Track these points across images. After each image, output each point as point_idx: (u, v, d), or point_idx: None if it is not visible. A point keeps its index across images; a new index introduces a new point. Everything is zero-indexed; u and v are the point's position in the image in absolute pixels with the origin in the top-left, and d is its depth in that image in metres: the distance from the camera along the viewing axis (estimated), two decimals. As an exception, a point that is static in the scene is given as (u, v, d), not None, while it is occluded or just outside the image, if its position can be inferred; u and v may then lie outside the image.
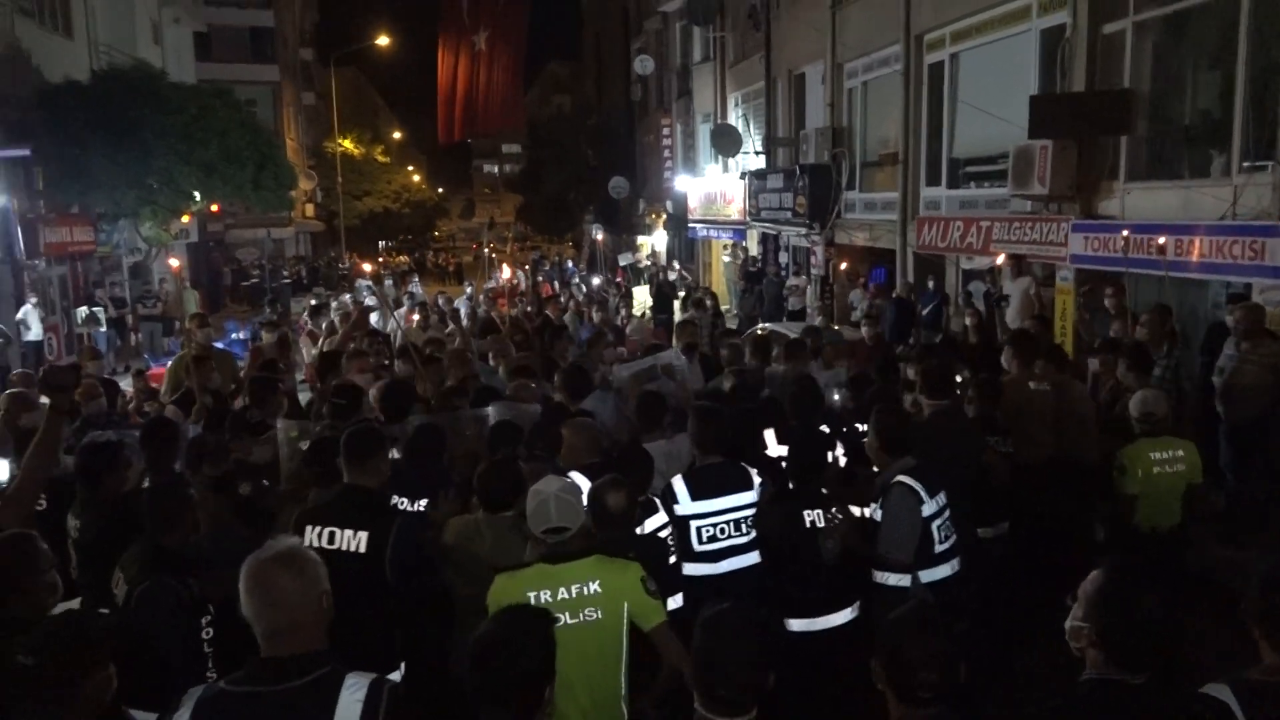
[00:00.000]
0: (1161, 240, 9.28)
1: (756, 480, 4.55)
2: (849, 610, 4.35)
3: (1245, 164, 9.22)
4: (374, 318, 14.29)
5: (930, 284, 14.26)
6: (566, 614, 3.14)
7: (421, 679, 3.52)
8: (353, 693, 2.27)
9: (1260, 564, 2.45)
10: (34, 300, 17.70)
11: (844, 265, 16.76)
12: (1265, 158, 8.87)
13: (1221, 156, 9.73)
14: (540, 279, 25.49)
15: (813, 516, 4.32)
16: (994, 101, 12.80)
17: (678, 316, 16.57)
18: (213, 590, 3.34)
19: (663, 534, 4.26)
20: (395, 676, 3.66)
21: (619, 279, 26.33)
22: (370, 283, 20.91)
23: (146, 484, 4.10)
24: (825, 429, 5.36)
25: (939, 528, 4.38)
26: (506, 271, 21.95)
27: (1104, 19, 10.86)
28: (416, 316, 15.11)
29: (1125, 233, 9.42)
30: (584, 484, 3.90)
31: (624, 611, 3.22)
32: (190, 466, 4.50)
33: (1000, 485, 5.54)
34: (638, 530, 4.17)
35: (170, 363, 9.67)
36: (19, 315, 17.04)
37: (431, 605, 3.84)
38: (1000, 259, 11.89)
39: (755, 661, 2.35)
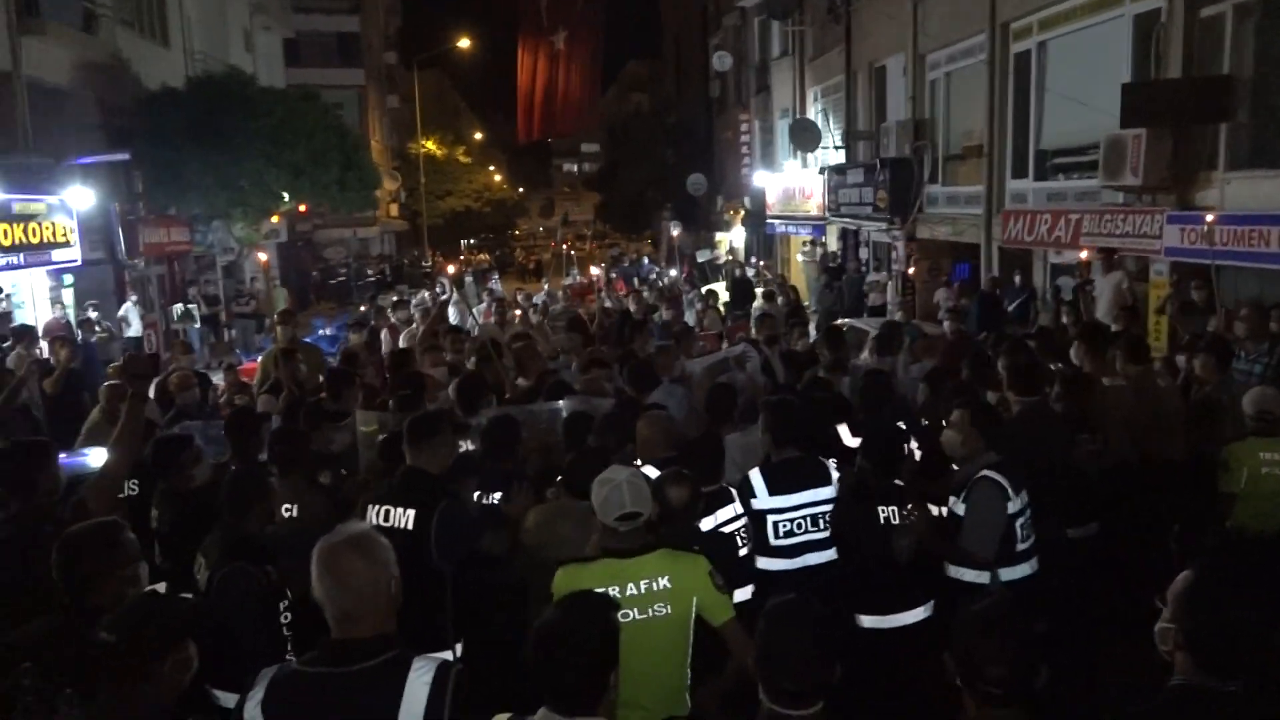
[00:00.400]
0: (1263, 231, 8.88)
1: (835, 475, 4.48)
2: (922, 609, 4.27)
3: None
4: (453, 315, 14.52)
5: (1017, 279, 13.86)
6: (635, 610, 3.11)
7: (486, 664, 3.54)
8: (420, 675, 2.31)
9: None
10: (134, 298, 18.45)
11: (913, 268, 16.41)
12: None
13: (1329, 143, 9.25)
14: (615, 275, 25.57)
15: (887, 513, 4.25)
16: (1084, 91, 12.38)
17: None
18: (292, 578, 3.42)
19: (731, 527, 4.22)
20: (448, 656, 3.71)
21: (686, 275, 26.25)
22: (445, 279, 21.26)
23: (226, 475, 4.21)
24: (900, 425, 5.25)
25: (1021, 526, 4.28)
26: (595, 270, 22.01)
27: (1202, 2, 10.41)
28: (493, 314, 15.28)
29: (1210, 218, 8.97)
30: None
31: (693, 606, 3.19)
32: (275, 455, 4.61)
33: (1089, 484, 5.35)
34: (711, 520, 4.16)
35: (261, 357, 9.96)
36: (120, 312, 17.78)
37: (501, 594, 3.86)
38: (1083, 255, 11.50)
39: (818, 654, 2.30)
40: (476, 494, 4.53)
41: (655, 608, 3.14)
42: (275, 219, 24.50)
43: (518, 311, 14.57)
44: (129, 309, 17.99)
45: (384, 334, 11.43)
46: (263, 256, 9.47)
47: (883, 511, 4.24)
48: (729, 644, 3.22)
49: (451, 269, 21.89)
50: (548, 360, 8.13)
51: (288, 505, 4.37)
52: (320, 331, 19.56)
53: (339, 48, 42.05)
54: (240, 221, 22.06)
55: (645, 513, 3.28)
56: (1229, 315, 8.19)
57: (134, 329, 17.84)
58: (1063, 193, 13.36)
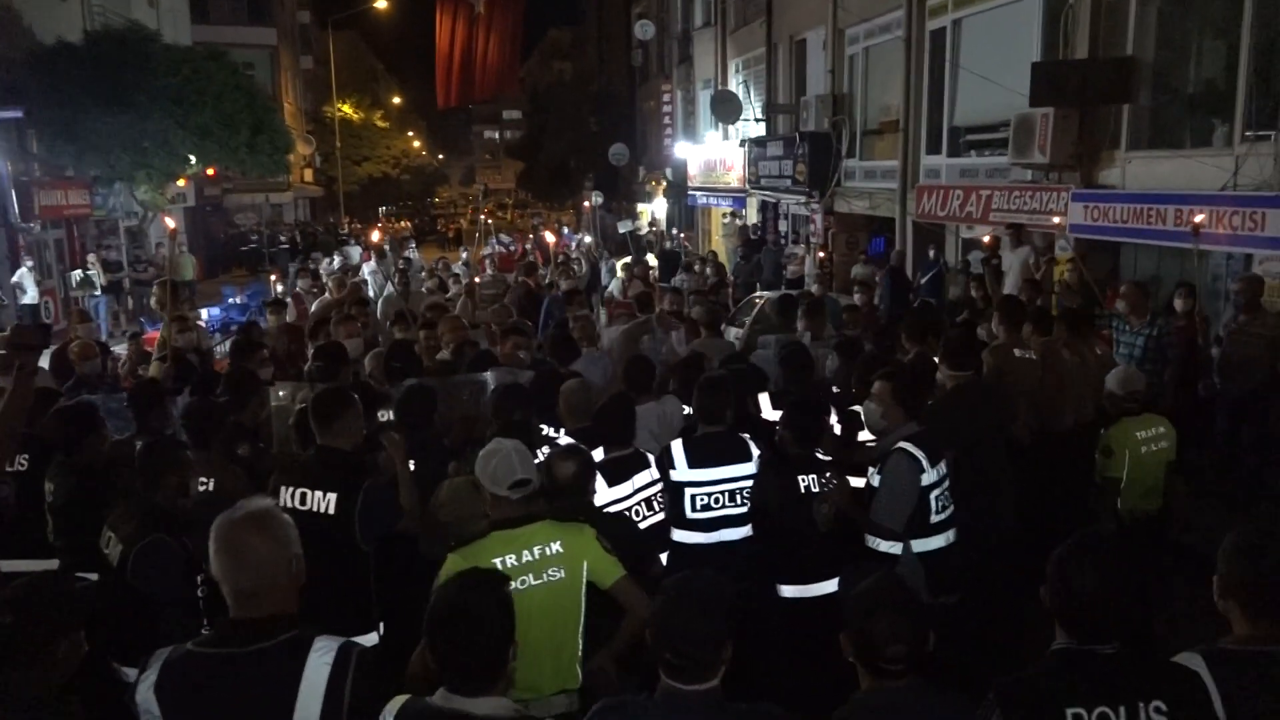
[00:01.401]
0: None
1: (755, 452, 4.51)
2: (833, 581, 4.32)
3: (1247, 134, 9.13)
4: (371, 283, 14.25)
5: (931, 253, 14.18)
6: (531, 575, 3.13)
7: (402, 642, 3.52)
8: (321, 656, 2.27)
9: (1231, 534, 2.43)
10: (30, 264, 17.64)
11: (826, 248, 16.62)
12: (1268, 128, 8.79)
13: (1224, 126, 9.64)
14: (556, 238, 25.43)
15: (807, 481, 4.29)
16: (996, 69, 12.65)
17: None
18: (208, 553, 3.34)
19: (646, 493, 4.27)
20: (373, 638, 3.68)
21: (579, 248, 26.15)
22: (360, 247, 20.82)
23: (139, 446, 4.07)
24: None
25: (936, 498, 4.34)
26: (549, 236, 21.77)
27: (1109, -15, 10.71)
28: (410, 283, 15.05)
29: (1200, 218, 8.39)
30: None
31: (584, 570, 3.23)
32: (189, 429, 4.47)
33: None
34: (626, 487, 4.22)
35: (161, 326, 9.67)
36: (14, 279, 17.01)
37: (414, 568, 3.82)
38: (985, 239, 11.82)
39: (712, 630, 2.30)
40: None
41: (549, 572, 3.16)
42: (182, 182, 23.64)
43: (433, 281, 14.35)
44: (23, 275, 17.20)
45: (289, 303, 11.16)
46: (170, 222, 9.09)
47: (803, 480, 4.28)
48: (622, 601, 3.25)
49: (375, 235, 21.43)
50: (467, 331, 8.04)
51: (204, 479, 4.25)
52: (230, 300, 19.02)
53: (249, 5, 40.45)
54: (144, 185, 21.21)
55: (533, 481, 3.31)
56: (1112, 292, 8.52)
57: (29, 296, 17.09)
58: (975, 169, 13.68)
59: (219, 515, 2.35)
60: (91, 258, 19.99)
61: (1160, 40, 10.48)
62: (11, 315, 15.93)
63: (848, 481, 4.39)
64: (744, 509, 4.42)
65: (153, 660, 2.31)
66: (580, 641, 3.22)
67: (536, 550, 3.17)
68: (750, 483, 4.42)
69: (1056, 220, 10.49)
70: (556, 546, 3.20)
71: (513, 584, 2.95)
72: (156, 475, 3.72)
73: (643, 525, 4.27)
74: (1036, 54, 11.75)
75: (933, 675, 2.40)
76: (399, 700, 2.31)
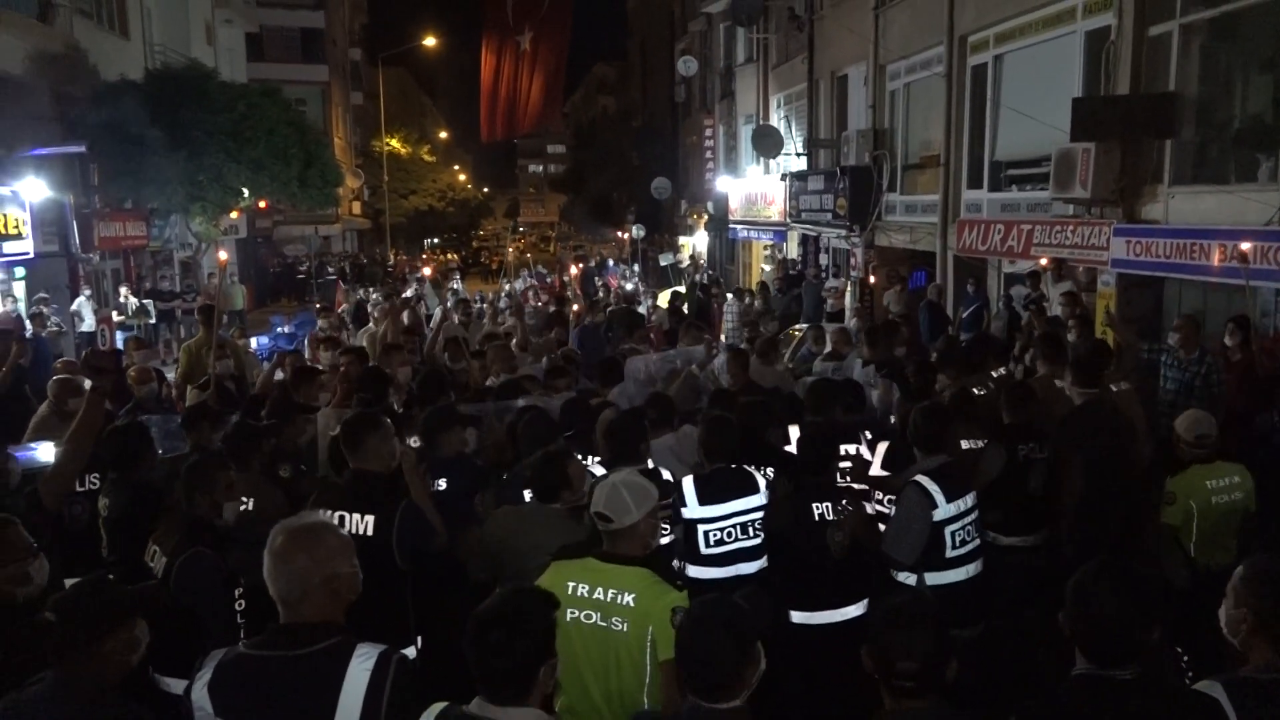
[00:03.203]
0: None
1: (762, 483, 4.51)
2: (856, 606, 4.29)
3: (1292, 169, 9.07)
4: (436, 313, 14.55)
5: (971, 288, 14.14)
6: (597, 613, 3.08)
7: (439, 654, 3.61)
8: (362, 662, 2.37)
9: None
10: (88, 293, 18.19)
11: (873, 277, 16.61)
12: (1313, 162, 8.72)
13: (1268, 161, 9.56)
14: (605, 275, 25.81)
15: (821, 509, 4.28)
16: (1037, 104, 12.67)
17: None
18: (249, 567, 3.45)
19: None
20: (410, 652, 3.76)
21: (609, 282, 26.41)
22: (418, 279, 21.23)
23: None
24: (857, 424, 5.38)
25: (954, 533, 4.30)
26: (574, 269, 22.17)
27: (1150, 21, 10.71)
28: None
29: (1246, 246, 8.25)
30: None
31: (648, 633, 3.08)
32: (232, 449, 4.63)
33: (1035, 493, 5.39)
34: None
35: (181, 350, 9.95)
36: (73, 307, 17.53)
37: (450, 581, 3.92)
38: (1043, 261, 11.78)
39: (734, 652, 2.37)
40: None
41: (614, 620, 3.09)
42: (235, 215, 24.27)
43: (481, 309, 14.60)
44: (81, 303, 17.73)
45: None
46: (222, 255, 9.40)
47: (817, 508, 4.29)
48: (662, 683, 3.06)
49: (428, 270, 21.85)
50: (520, 360, 8.20)
51: (245, 498, 4.40)
52: (279, 329, 19.43)
53: (303, 43, 41.72)
54: (199, 216, 21.82)
55: (615, 521, 3.18)
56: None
57: (87, 324, 17.60)
58: (1015, 203, 13.65)
59: (276, 525, 2.48)
60: (124, 290, 20.16)
61: (1203, 75, 10.44)
62: (70, 342, 16.41)
63: (863, 509, 4.42)
64: (757, 541, 4.42)
65: (207, 660, 2.45)
66: (646, 700, 3.08)
67: (611, 593, 3.11)
68: (760, 514, 4.42)
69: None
70: (629, 599, 3.10)
71: (572, 612, 3.01)
72: (196, 491, 3.86)
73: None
74: (1078, 89, 11.77)
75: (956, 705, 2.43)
76: (437, 707, 2.40)
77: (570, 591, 3.09)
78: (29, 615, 2.86)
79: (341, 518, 3.81)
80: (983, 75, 14.47)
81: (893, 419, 5.85)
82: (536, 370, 7.35)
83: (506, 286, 24.02)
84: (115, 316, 18.57)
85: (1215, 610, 2.53)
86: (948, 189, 15.28)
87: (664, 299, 17.28)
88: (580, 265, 25.29)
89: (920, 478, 4.31)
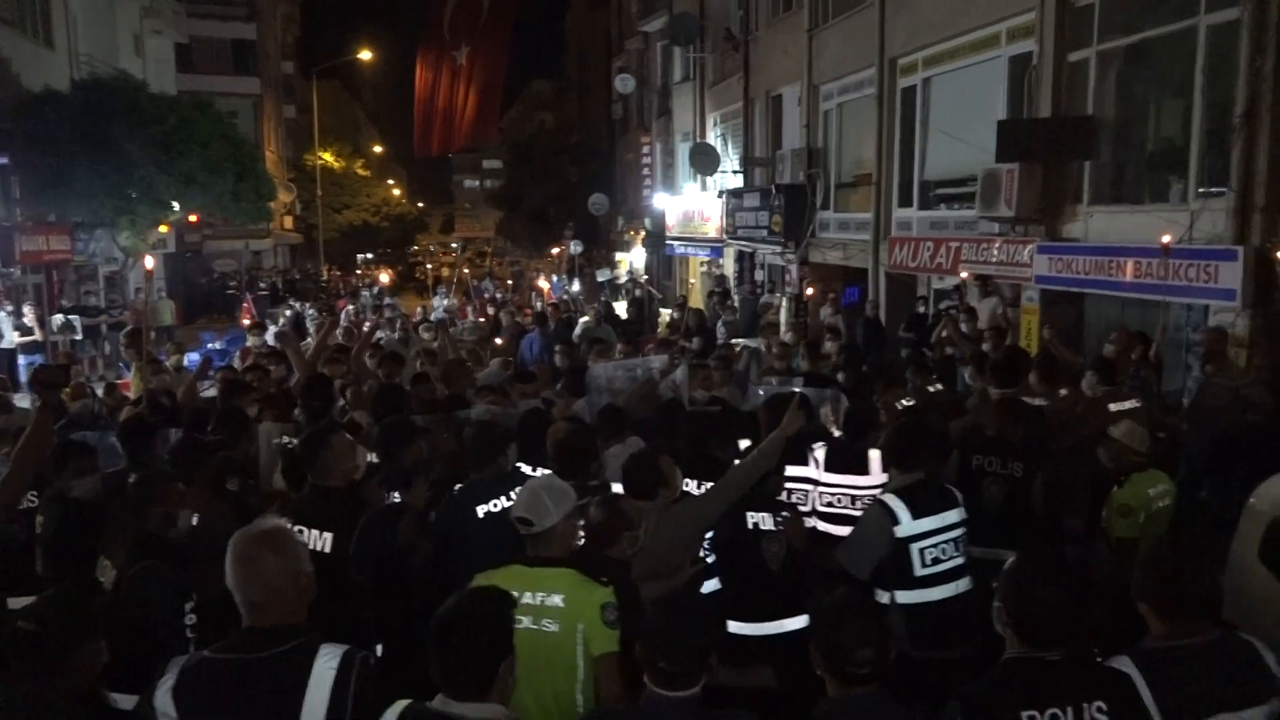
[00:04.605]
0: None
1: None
2: (796, 619, 4.23)
3: (1201, 190, 9.54)
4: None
5: (921, 309, 14.37)
6: (528, 618, 3.10)
7: (400, 661, 3.66)
8: (326, 661, 2.43)
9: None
10: (8, 308, 17.64)
11: (810, 290, 16.95)
12: (1220, 184, 9.20)
13: (1179, 183, 10.05)
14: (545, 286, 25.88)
15: (756, 519, 4.26)
16: (964, 125, 13.13)
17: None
18: (204, 582, 3.46)
19: None
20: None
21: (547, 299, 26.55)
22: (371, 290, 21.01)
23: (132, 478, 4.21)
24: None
25: (924, 550, 4.23)
26: (543, 282, 22.10)
27: (1070, 48, 11.20)
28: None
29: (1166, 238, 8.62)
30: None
31: (579, 633, 3.14)
32: (179, 463, 4.61)
33: (988, 506, 5.29)
34: None
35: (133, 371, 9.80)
36: (-3, 322, 17.00)
37: (408, 589, 3.96)
38: (963, 275, 12.19)
39: (702, 640, 2.51)
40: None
41: (544, 622, 3.13)
42: (164, 229, 23.76)
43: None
44: (1, 319, 17.20)
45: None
46: (149, 262, 9.27)
47: (751, 517, 4.27)
48: (599, 678, 3.12)
49: (386, 278, 21.64)
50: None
51: (192, 512, 4.38)
52: (209, 345, 19.08)
53: (234, 55, 41.03)
54: (126, 230, 21.33)
55: (536, 524, 3.26)
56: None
57: (5, 340, 17.07)
58: (944, 221, 14.10)
59: (236, 532, 2.52)
60: (26, 309, 18.07)
61: (1119, 100, 10.95)
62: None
63: (801, 520, 4.48)
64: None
65: (170, 667, 2.48)
66: (580, 698, 3.12)
67: (540, 597, 3.15)
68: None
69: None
70: (558, 599, 3.15)
71: None
72: (148, 504, 3.84)
73: None
74: (1003, 112, 12.23)
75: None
76: (400, 704, 2.46)
77: None
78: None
79: (300, 531, 3.83)
80: (912, 97, 14.93)
81: (836, 431, 5.97)
82: (494, 377, 7.43)
83: (443, 300, 23.93)
84: (36, 334, 17.79)
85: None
86: (879, 207, 15.70)
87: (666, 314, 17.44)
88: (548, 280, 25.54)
89: (887, 495, 4.33)
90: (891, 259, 14.81)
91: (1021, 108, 11.91)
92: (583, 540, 3.62)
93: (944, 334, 10.61)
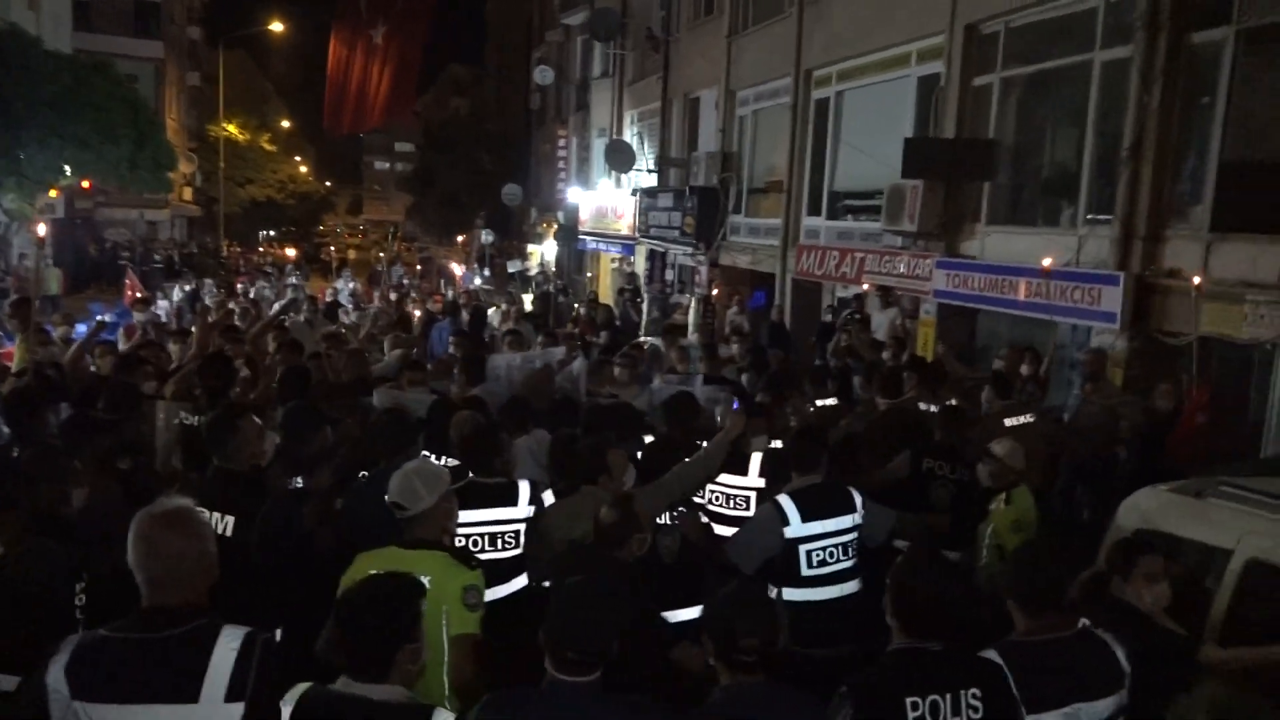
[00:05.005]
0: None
1: (524, 496, 4.50)
2: (688, 610, 4.26)
3: (1089, 216, 10.08)
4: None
5: (829, 317, 14.68)
6: None
7: (301, 644, 3.63)
8: (228, 641, 2.45)
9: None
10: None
11: (716, 290, 17.25)
12: (1106, 212, 9.73)
13: (1070, 208, 10.59)
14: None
15: None
16: (873, 140, 13.54)
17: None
18: (95, 561, 3.39)
19: (490, 528, 4.37)
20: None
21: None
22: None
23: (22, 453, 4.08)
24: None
25: (811, 552, 4.39)
26: (458, 269, 21.69)
27: (975, 72, 11.67)
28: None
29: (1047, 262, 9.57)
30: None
31: (444, 614, 3.24)
32: (69, 440, 4.48)
33: (936, 506, 5.50)
34: (473, 514, 4.30)
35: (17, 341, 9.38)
36: None
37: (308, 575, 3.94)
38: (865, 286, 12.58)
39: (609, 628, 2.60)
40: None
41: None
42: (54, 193, 22.72)
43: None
44: None
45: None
46: (41, 230, 8.90)
47: None
48: (453, 657, 3.25)
49: (292, 252, 21.06)
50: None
51: (84, 490, 4.26)
52: (99, 317, 18.30)
53: (136, 15, 39.32)
54: (13, 193, 20.32)
55: (409, 508, 3.40)
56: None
57: None
58: (851, 232, 14.51)
59: (140, 511, 2.50)
60: None
61: (1019, 125, 11.47)
62: None
63: (698, 517, 4.63)
64: (512, 553, 4.43)
65: (64, 644, 2.45)
66: (446, 681, 3.23)
67: None
68: (511, 526, 4.42)
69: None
70: (426, 581, 3.14)
71: None
72: (40, 480, 3.74)
73: (481, 558, 4.19)
74: (910, 129, 12.66)
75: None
76: (301, 687, 2.49)
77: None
78: None
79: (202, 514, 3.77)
80: (825, 109, 15.30)
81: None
82: (392, 370, 7.38)
83: (349, 284, 23.45)
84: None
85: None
86: (789, 214, 16.04)
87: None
88: (445, 267, 25.25)
89: (781, 496, 4.47)
90: (799, 266, 15.17)
91: (928, 126, 12.35)
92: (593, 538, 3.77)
93: (843, 343, 10.94)
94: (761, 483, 5.22)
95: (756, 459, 5.36)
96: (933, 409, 6.74)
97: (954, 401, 6.59)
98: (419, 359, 8.07)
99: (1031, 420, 7.08)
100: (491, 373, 6.95)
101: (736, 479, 5.41)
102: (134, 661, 2.40)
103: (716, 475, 4.90)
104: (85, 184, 23.51)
